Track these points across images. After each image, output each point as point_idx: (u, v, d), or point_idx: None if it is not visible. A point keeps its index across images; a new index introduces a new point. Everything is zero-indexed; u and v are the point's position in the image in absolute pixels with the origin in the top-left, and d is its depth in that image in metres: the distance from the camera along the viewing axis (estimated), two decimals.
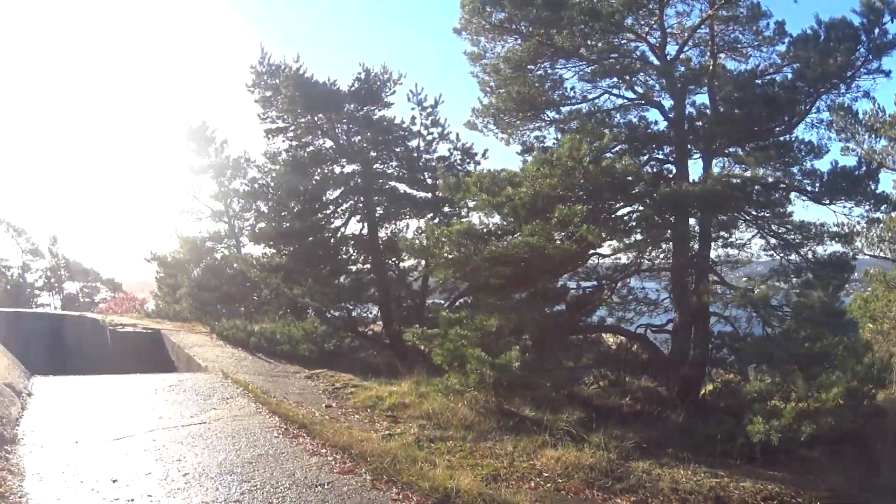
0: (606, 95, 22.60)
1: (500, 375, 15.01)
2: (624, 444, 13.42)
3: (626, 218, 19.71)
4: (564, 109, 22.73)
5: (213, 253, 39.27)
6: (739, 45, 22.12)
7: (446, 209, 29.32)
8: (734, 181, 19.67)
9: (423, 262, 29.77)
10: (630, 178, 17.36)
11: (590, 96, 22.77)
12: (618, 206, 19.42)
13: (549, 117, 22.77)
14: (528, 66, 21.42)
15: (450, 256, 17.12)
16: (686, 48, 22.14)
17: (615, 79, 21.89)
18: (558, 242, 16.56)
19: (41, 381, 16.84)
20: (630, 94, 22.36)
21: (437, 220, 28.58)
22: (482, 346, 15.67)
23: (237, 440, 11.99)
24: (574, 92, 22.48)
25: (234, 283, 36.18)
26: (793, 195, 20.32)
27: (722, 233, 21.39)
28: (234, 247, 38.87)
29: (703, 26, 21.38)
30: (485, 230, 17.06)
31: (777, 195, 19.98)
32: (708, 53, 22.13)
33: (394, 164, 30.09)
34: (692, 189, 17.59)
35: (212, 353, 22.58)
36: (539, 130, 23.40)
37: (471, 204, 20.27)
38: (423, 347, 17.52)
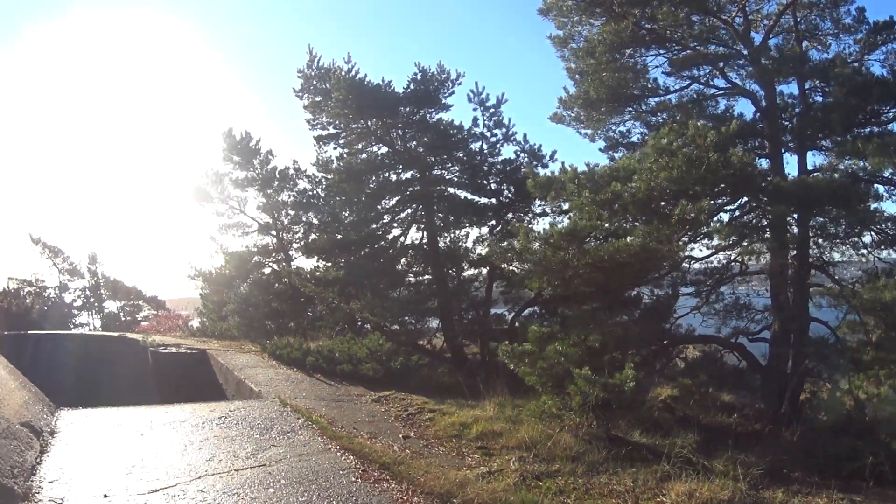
0: (695, 86, 20.43)
1: (611, 397, 12.89)
2: (751, 471, 11.42)
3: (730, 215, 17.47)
4: (652, 101, 20.35)
5: (260, 268, 37.07)
6: (819, 33, 20.00)
7: (509, 216, 27.65)
8: (834, 175, 17.85)
9: (484, 271, 29.03)
10: (750, 171, 14.87)
11: (674, 87, 20.66)
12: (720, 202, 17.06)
13: (636, 109, 20.35)
14: (619, 52, 18.97)
15: (546, 262, 14.44)
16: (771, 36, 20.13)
17: (707, 67, 19.62)
18: (679, 243, 14.13)
19: (68, 415, 14.31)
20: (721, 84, 20.58)
21: (502, 227, 27.33)
22: (585, 363, 13.51)
23: (306, 488, 9.53)
24: (659, 83, 20.19)
25: (283, 298, 34.32)
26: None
27: (827, 231, 18.83)
28: (284, 261, 36.61)
29: (786, 13, 19.88)
30: (588, 231, 14.37)
31: (877, 189, 17.84)
32: (789, 41, 19.87)
33: (454, 169, 28.03)
34: (806, 181, 15.94)
35: (264, 376, 20.24)
36: (623, 125, 21.05)
37: (565, 205, 17.66)
38: (512, 366, 14.84)
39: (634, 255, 13.54)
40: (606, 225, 14.49)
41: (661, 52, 19.72)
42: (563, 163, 16.43)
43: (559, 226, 14.30)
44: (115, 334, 32.71)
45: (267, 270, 37.10)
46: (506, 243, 15.31)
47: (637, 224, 14.62)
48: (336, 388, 18.98)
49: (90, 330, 53.44)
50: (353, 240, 26.27)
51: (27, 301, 45.55)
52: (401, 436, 13.80)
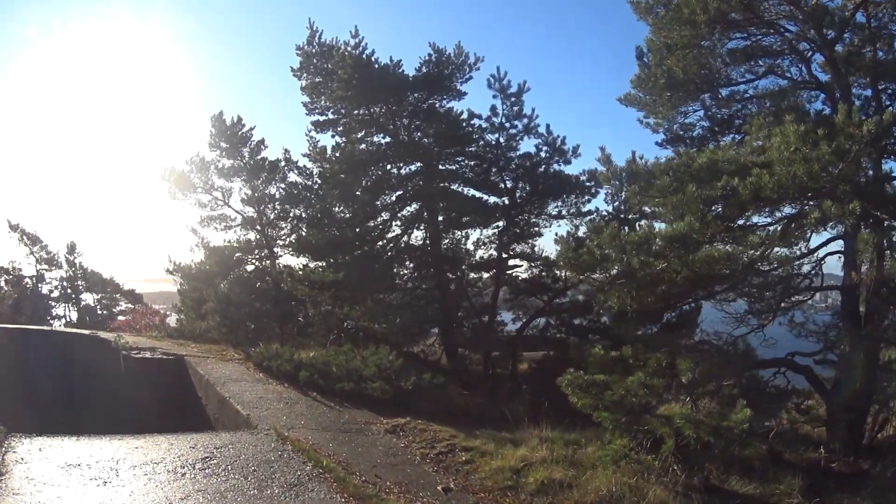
0: (764, 79, 17.22)
1: (717, 441, 10.37)
2: None
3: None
4: (724, 92, 17.10)
5: (242, 264, 33.95)
6: (884, 33, 16.90)
7: (523, 216, 25.03)
8: None
9: (485, 276, 26.56)
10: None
11: (740, 78, 17.29)
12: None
13: (709, 99, 17.05)
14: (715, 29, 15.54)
15: (637, 272, 10.99)
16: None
17: (788, 57, 16.79)
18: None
19: (20, 446, 10.90)
20: (794, 76, 17.17)
21: (510, 229, 24.80)
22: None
23: None
24: (733, 70, 16.84)
25: (266, 298, 31.50)
26: None
27: None
28: (268, 258, 33.40)
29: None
30: (700, 236, 10.84)
31: None
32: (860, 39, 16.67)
33: (464, 163, 25.23)
34: None
35: (252, 394, 16.74)
36: (689, 116, 17.74)
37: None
38: (575, 398, 11.30)
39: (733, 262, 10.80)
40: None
41: (744, 34, 16.34)
42: (633, 152, 12.85)
43: (659, 229, 10.76)
44: (87, 332, 28.58)
45: (250, 268, 34.12)
46: (584, 248, 11.66)
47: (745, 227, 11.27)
48: (338, 413, 15.62)
49: (63, 325, 49.93)
50: (349, 238, 23.32)
51: (1, 292, 42.18)
52: (439, 488, 10.69)
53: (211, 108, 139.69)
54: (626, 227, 12.52)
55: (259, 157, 32.53)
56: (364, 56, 21.68)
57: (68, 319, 52.45)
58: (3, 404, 21.41)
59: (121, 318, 50.92)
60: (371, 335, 22.05)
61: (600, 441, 12.04)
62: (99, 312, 53.99)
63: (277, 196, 32.70)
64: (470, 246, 26.25)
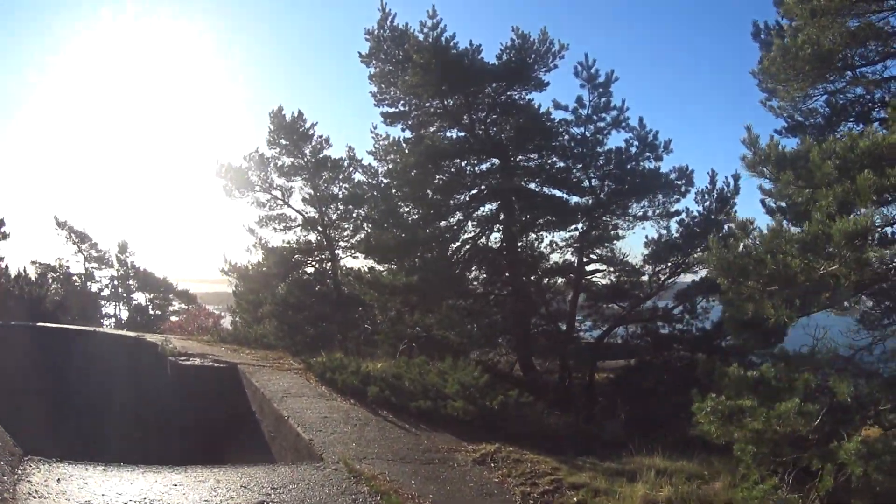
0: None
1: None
2: None
3: None
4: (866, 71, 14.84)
5: (302, 266, 32.54)
6: None
7: (606, 218, 22.91)
8: None
9: (559, 281, 25.12)
10: None
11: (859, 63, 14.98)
12: None
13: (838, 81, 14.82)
14: None
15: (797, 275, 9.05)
16: None
17: None
18: None
19: (35, 475, 8.84)
20: None
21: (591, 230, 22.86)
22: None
23: None
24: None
25: (327, 302, 29.88)
26: None
27: None
28: (329, 260, 32.11)
29: None
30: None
31: None
32: None
33: (547, 159, 23.19)
34: None
35: (315, 412, 14.55)
36: (809, 100, 15.47)
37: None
38: (710, 429, 9.36)
39: None
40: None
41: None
42: (771, 136, 10.91)
43: (837, 225, 8.68)
44: (133, 335, 27.13)
45: (310, 270, 32.71)
46: (740, 249, 9.74)
47: None
48: (416, 438, 13.40)
49: (113, 324, 49.27)
50: (419, 239, 21.67)
51: (44, 289, 41.07)
52: None
53: (271, 103, 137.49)
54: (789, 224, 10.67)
55: (321, 155, 31.18)
56: (443, 39, 19.83)
57: (119, 319, 51.48)
58: (31, 415, 19.96)
59: (173, 318, 50.39)
60: (445, 344, 20.27)
61: (729, 474, 10.14)
62: (151, 312, 52.91)
63: (340, 196, 31.34)
64: (545, 248, 24.35)
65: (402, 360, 18.87)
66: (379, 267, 23.05)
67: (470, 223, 23.33)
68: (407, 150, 22.24)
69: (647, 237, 22.13)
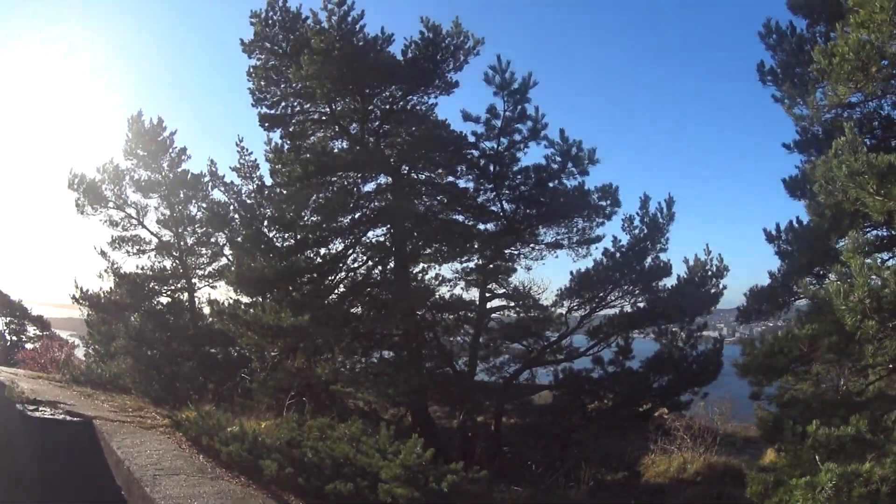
0: None
1: None
2: None
3: None
4: None
5: (156, 296, 28.39)
6: None
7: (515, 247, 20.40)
8: None
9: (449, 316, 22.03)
10: None
11: None
12: None
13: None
14: None
15: None
16: None
17: None
18: None
19: None
20: None
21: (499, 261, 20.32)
22: None
23: None
24: None
25: (183, 338, 25.72)
26: None
27: None
28: (185, 289, 28.25)
29: None
30: None
31: None
32: None
33: (448, 178, 20.35)
34: None
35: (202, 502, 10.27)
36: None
37: None
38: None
39: None
40: None
41: None
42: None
43: None
44: None
45: (164, 300, 28.65)
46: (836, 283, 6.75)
47: None
48: None
49: None
50: (298, 269, 18.22)
51: None
52: None
53: (134, 108, 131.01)
54: None
55: (180, 170, 27.45)
56: (349, 19, 16.50)
57: None
58: None
59: (28, 346, 45.15)
60: (332, 394, 17.70)
61: None
62: (8, 338, 47.78)
63: (198, 217, 27.84)
64: (433, 280, 21.95)
65: (290, 417, 15.03)
66: (244, 300, 19.33)
67: (357, 249, 20.41)
68: (292, 159, 18.63)
69: (572, 272, 19.40)
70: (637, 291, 19.24)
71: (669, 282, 19.29)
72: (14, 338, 47.81)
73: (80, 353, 36.34)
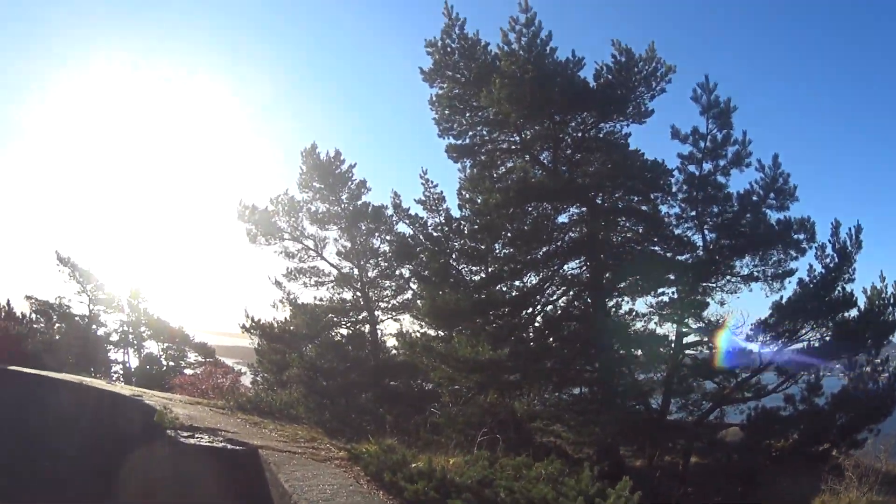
0: None
1: None
2: None
3: None
4: None
5: (335, 327, 29.10)
6: None
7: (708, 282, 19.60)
8: None
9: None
10: None
11: None
12: None
13: None
14: None
15: None
16: None
17: None
18: None
19: None
20: None
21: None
22: None
23: None
24: None
25: (363, 370, 26.52)
26: None
27: None
28: (366, 321, 28.77)
29: None
30: None
31: None
32: None
33: (643, 205, 19.91)
34: None
35: None
36: None
37: None
38: None
39: None
40: None
41: None
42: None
43: None
44: (128, 393, 20.68)
45: (343, 332, 29.28)
46: None
47: None
48: None
49: (121, 372, 47.12)
50: (493, 302, 18.40)
51: (26, 326, 38.27)
52: None
53: (303, 141, 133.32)
54: None
55: (360, 202, 28.25)
56: (538, 41, 16.49)
57: (127, 366, 48.47)
58: None
59: (188, 371, 46.49)
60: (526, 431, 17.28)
61: None
62: (164, 363, 49.72)
63: (381, 250, 28.45)
64: (627, 314, 21.22)
65: (482, 455, 14.19)
66: (430, 333, 19.66)
67: (552, 283, 20.09)
68: (489, 187, 18.77)
69: (773, 303, 18.83)
70: (825, 324, 18.69)
71: (852, 313, 18.65)
72: (171, 363, 49.62)
73: (245, 380, 36.88)
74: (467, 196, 20.62)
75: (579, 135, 18.88)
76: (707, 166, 18.76)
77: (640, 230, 19.88)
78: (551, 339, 20.17)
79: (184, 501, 13.38)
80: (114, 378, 41.08)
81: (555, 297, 20.39)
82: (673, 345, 19.87)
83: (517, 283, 19.79)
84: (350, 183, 28.08)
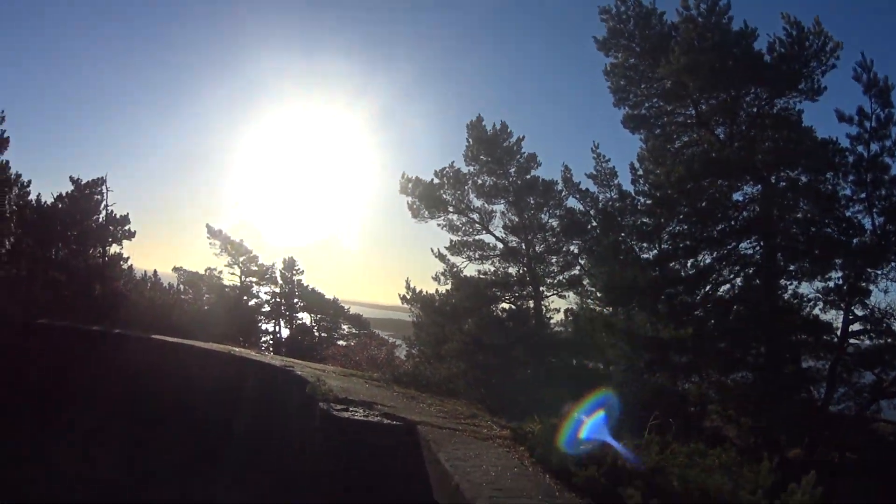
0: None
1: None
2: None
3: None
4: None
5: (497, 301, 30.35)
6: None
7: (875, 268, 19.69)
8: None
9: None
10: None
11: None
12: None
13: None
14: None
15: None
16: None
17: None
18: None
19: None
20: None
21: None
22: None
23: None
24: None
25: (526, 346, 27.38)
26: None
27: None
28: (531, 297, 29.70)
29: None
30: None
31: None
32: None
33: (815, 185, 20.22)
34: None
35: None
36: None
37: None
38: None
39: None
40: None
41: None
42: None
43: None
44: (278, 364, 21.70)
45: (505, 306, 30.33)
46: None
47: None
48: None
49: (271, 342, 49.50)
50: (673, 279, 19.54)
51: (173, 296, 41.50)
52: None
53: (465, 115, 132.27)
54: None
55: (529, 176, 29.20)
56: (718, 8, 17.62)
57: (278, 337, 51.08)
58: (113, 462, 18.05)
59: (341, 343, 49.51)
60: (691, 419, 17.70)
61: None
62: (316, 334, 52.52)
63: (549, 225, 29.27)
64: (792, 299, 21.38)
65: (652, 439, 13.61)
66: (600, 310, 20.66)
67: (726, 262, 20.82)
68: (671, 160, 19.86)
69: None
70: None
71: None
72: (324, 334, 52.42)
73: (400, 353, 39.25)
74: (644, 169, 21.71)
75: (754, 110, 19.76)
76: (874, 147, 19.17)
77: (814, 211, 20.32)
78: (723, 321, 20.58)
79: (337, 478, 13.70)
80: (263, 348, 43.57)
81: (730, 276, 20.96)
82: (838, 332, 20.33)
83: (691, 261, 20.47)
84: (518, 157, 29.03)
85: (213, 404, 19.78)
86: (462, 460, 10.65)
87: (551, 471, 10.31)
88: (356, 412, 14.50)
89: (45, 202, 35.23)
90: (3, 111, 33.08)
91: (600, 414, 13.84)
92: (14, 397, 21.86)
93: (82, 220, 35.74)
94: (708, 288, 20.72)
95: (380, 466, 13.03)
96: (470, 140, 29.24)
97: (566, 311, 25.50)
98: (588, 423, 11.27)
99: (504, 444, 12.62)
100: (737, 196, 20.76)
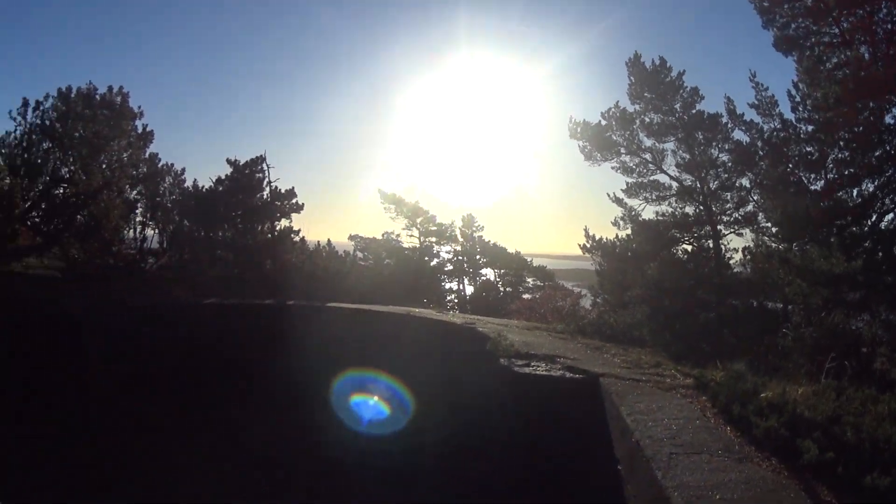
0: None
1: None
2: None
3: None
4: None
5: (677, 243, 30.93)
6: None
7: None
8: None
9: None
10: None
11: None
12: None
13: None
14: None
15: None
16: None
17: None
18: None
19: None
20: None
21: None
22: None
23: None
24: None
25: (707, 287, 27.94)
26: None
27: None
28: (709, 236, 30.03)
29: None
30: None
31: None
32: None
33: None
34: None
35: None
36: None
37: None
38: None
39: None
40: None
41: None
42: None
43: None
44: (459, 322, 22.88)
45: (686, 248, 30.92)
46: None
47: None
48: None
49: (455, 300, 50.63)
50: (843, 210, 19.53)
51: (348, 264, 42.81)
52: None
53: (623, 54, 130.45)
54: None
55: (694, 111, 29.39)
56: None
57: (462, 294, 52.49)
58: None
59: (526, 296, 49.89)
60: (863, 361, 16.70)
61: None
62: (500, 289, 53.43)
63: (720, 160, 29.33)
64: None
65: (828, 385, 12.96)
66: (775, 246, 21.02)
67: (888, 192, 20.63)
68: (827, 79, 19.42)
69: None
70: None
71: None
72: (509, 289, 53.34)
73: (585, 303, 39.96)
74: (801, 94, 22.04)
75: (889, 27, 19.19)
76: None
77: None
78: (889, 253, 19.88)
79: (526, 431, 14.61)
80: (447, 307, 44.52)
81: (891, 206, 20.68)
82: None
83: (856, 190, 20.50)
84: (682, 91, 29.22)
85: (396, 364, 20.31)
86: (643, 413, 11.69)
87: (732, 422, 11.22)
88: (538, 367, 15.53)
89: (203, 186, 37.99)
90: (140, 107, 36.04)
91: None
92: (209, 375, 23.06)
93: (245, 200, 38.08)
94: (874, 218, 20.52)
95: (563, 421, 13.84)
96: (632, 78, 29.63)
97: (744, 249, 25.72)
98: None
99: (687, 393, 13.51)
100: (888, 119, 20.35)
